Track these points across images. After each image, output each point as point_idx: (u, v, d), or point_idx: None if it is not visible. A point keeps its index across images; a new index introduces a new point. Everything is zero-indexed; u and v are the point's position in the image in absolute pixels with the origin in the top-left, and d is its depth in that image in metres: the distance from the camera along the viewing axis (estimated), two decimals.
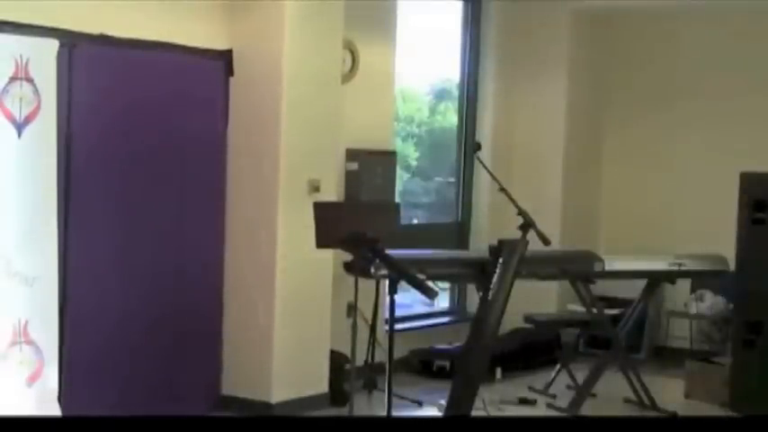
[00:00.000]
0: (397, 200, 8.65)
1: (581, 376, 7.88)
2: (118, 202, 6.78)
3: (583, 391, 7.75)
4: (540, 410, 7.76)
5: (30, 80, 5.93)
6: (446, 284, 9.44)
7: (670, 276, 8.09)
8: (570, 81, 9.75)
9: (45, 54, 6.02)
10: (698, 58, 9.65)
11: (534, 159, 9.77)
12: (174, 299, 7.09)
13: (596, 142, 10.12)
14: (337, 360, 7.55)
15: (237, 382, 7.38)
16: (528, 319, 8.24)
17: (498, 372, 8.55)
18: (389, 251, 5.54)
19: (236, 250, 7.40)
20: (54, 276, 6.12)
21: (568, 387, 8.09)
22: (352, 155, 8.18)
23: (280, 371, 7.31)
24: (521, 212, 6.48)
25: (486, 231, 9.35)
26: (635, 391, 7.83)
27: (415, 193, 10.00)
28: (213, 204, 7.37)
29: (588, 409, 7.63)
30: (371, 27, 8.35)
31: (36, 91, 5.96)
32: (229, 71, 7.38)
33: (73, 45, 6.32)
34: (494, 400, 7.69)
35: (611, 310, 8.56)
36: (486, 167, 7.10)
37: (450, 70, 9.81)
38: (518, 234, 6.47)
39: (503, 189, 6.60)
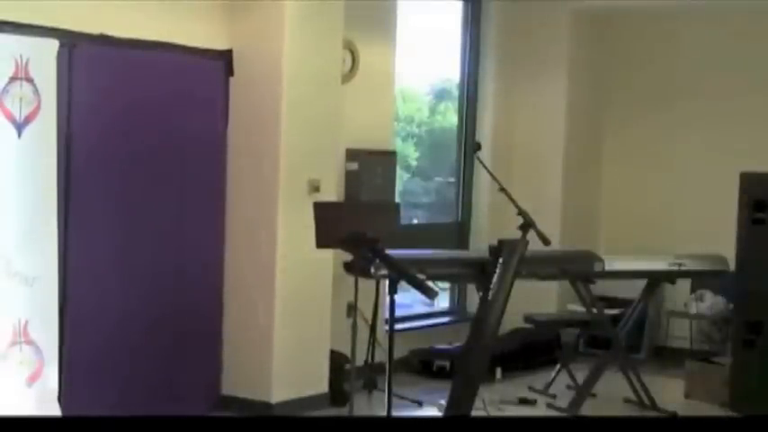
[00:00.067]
0: (397, 200, 8.64)
1: (581, 376, 7.88)
2: (118, 202, 6.78)
3: (583, 391, 7.74)
4: (540, 410, 7.76)
5: (30, 80, 5.93)
6: (446, 284, 9.44)
7: (670, 276, 8.09)
8: (570, 81, 9.75)
9: (45, 54, 6.02)
10: (698, 58, 9.65)
11: (534, 159, 9.76)
12: (174, 299, 7.09)
13: (596, 142, 10.12)
14: (337, 360, 7.55)
15: (237, 382, 7.38)
16: (528, 319, 8.24)
17: (498, 372, 8.55)
18: (389, 251, 5.54)
19: (236, 250, 7.40)
20: (54, 276, 6.12)
21: (568, 387, 8.08)
22: (352, 155, 8.18)
23: (280, 371, 7.31)
24: (521, 212, 6.48)
25: (486, 231, 9.35)
26: (635, 391, 7.83)
27: (415, 193, 9.99)
28: (213, 204, 7.36)
29: (588, 409, 7.63)
30: (371, 27, 8.35)
31: (36, 91, 5.95)
32: (229, 71, 7.38)
33: (73, 45, 6.32)
34: (494, 400, 7.69)
35: (611, 310, 8.56)
36: (486, 167, 7.10)
37: (450, 70, 9.81)
38: (518, 234, 6.47)
39: (503, 189, 6.60)
